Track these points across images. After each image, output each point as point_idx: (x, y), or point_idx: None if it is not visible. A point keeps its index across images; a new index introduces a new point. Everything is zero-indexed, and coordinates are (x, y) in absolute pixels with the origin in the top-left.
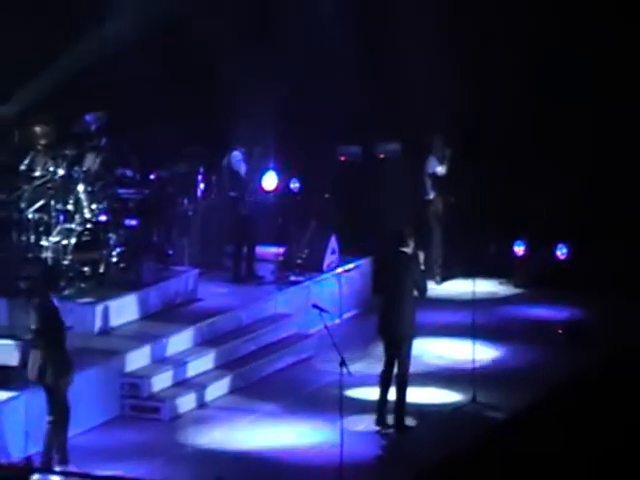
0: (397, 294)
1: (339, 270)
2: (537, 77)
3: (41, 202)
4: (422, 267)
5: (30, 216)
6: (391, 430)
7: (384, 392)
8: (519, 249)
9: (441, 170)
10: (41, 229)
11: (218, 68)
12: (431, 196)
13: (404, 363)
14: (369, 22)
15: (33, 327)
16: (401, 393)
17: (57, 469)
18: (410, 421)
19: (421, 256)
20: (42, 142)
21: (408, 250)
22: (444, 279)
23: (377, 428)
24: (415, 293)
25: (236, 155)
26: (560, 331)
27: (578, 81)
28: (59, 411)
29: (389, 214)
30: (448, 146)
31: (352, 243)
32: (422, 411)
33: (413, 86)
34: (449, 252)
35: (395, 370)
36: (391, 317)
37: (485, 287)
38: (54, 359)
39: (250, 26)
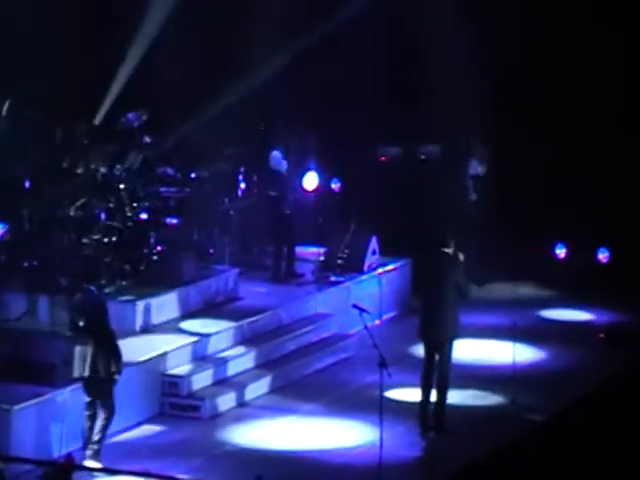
0: (439, 295)
1: (379, 271)
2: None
3: (82, 200)
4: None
5: (72, 214)
6: (432, 432)
7: (425, 394)
8: (561, 252)
9: (482, 170)
10: (82, 227)
11: (260, 68)
12: (474, 198)
13: (445, 365)
14: (410, 23)
15: (80, 324)
16: (442, 395)
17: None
18: (450, 423)
19: (461, 257)
20: (84, 140)
21: (449, 251)
22: (485, 281)
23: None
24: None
25: (276, 155)
26: (601, 334)
27: (609, 79)
28: (112, 405)
29: (429, 215)
30: (485, 146)
31: (392, 244)
32: (463, 412)
33: (451, 88)
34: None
35: (436, 372)
36: (432, 319)
37: (526, 290)
38: (105, 352)
39: (293, 26)
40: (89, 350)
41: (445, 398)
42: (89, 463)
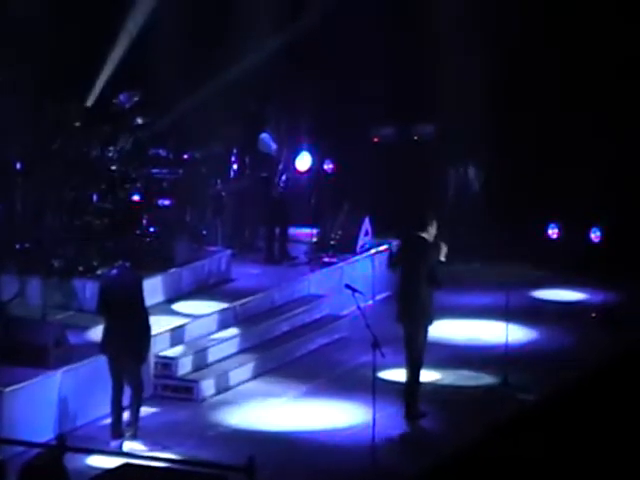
0: (412, 280)
1: (372, 252)
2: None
3: (74, 182)
4: (443, 259)
5: (64, 196)
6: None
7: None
8: (553, 232)
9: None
10: (75, 209)
11: (254, 49)
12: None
13: (419, 349)
14: (405, 3)
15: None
16: (415, 378)
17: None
18: (443, 403)
19: (444, 248)
20: (76, 122)
21: (427, 236)
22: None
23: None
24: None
25: (264, 137)
26: (593, 314)
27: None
28: (141, 382)
29: (421, 197)
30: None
31: (385, 225)
32: (454, 393)
33: (447, 68)
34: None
35: (410, 356)
36: (407, 303)
37: (518, 270)
38: (138, 330)
39: (282, 7)
40: (120, 327)
41: (418, 381)
42: (129, 444)
